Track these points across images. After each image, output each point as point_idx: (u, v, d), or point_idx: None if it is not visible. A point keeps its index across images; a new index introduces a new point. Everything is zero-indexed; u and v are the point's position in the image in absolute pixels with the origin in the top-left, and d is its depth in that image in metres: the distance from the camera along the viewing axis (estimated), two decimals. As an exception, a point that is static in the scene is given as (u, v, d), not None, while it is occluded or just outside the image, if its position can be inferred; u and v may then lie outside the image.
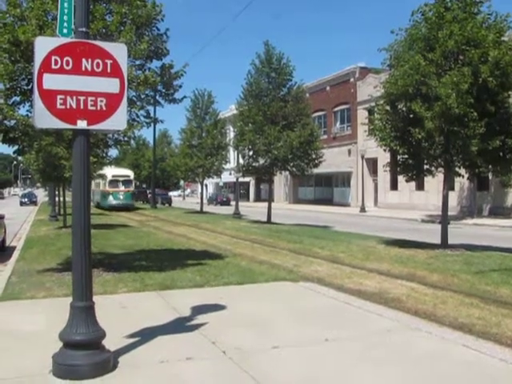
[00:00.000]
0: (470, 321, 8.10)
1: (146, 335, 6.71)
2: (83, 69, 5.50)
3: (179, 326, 7.30)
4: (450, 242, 17.22)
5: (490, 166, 17.25)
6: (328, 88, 56.78)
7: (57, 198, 37.24)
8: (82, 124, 5.48)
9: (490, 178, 33.55)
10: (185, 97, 13.58)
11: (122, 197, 52.07)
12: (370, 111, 30.98)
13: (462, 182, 35.01)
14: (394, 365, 5.80)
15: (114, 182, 52.32)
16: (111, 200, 51.96)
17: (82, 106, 5.49)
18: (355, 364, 5.82)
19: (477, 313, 8.59)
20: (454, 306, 9.07)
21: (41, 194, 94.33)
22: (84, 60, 5.50)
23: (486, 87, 15.47)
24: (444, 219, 17.63)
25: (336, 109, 56.32)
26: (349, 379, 5.40)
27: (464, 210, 37.90)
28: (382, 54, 17.66)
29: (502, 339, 7.12)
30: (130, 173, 57.29)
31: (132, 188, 55.17)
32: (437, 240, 17.64)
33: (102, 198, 54.58)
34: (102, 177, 48.56)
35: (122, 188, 52.71)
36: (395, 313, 8.41)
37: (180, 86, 12.62)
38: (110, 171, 48.13)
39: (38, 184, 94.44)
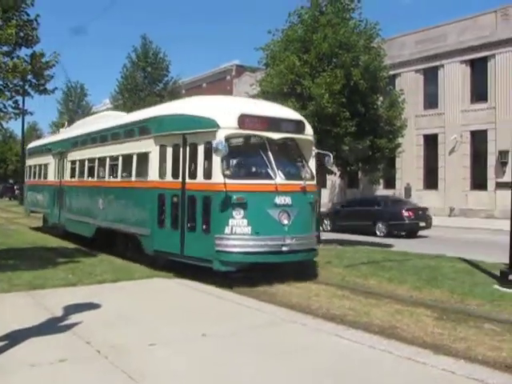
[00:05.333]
0: (342, 311, 8.46)
1: (14, 338, 6.30)
2: None
3: (51, 326, 6.95)
4: (323, 237, 17.88)
5: (360, 164, 18.13)
6: (204, 85, 56.88)
7: None
8: None
9: (360, 175, 35.26)
10: (56, 88, 12.93)
11: (285, 218, 10.52)
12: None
13: (334, 179, 36.54)
14: (271, 357, 5.89)
15: (248, 150, 11.76)
16: (243, 229, 10.30)
17: None
18: (233, 358, 5.84)
19: (348, 304, 8.99)
20: (327, 298, 9.43)
21: None
22: None
23: (357, 89, 16.21)
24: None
25: (213, 106, 56.25)
26: (225, 373, 5.41)
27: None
28: (259, 52, 17.97)
29: (370, 327, 7.50)
30: (297, 116, 12.23)
31: (312, 180, 11.54)
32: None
33: (172, 227, 11.46)
34: (172, 127, 11.83)
35: (282, 173, 10.82)
36: (271, 307, 8.55)
37: (52, 77, 12.08)
38: (223, 103, 12.25)
39: None
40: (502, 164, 29.97)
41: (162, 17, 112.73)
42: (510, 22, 30.03)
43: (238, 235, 10.25)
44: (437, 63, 33.94)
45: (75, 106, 43.43)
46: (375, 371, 5.53)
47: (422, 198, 34.19)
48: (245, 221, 10.24)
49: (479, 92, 32.37)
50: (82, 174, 17.41)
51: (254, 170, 11.28)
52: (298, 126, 11.77)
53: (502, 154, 29.56)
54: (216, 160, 10.38)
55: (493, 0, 36.91)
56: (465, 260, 13.30)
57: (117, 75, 32.49)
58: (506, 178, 27.86)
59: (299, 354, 6.02)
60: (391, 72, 23.05)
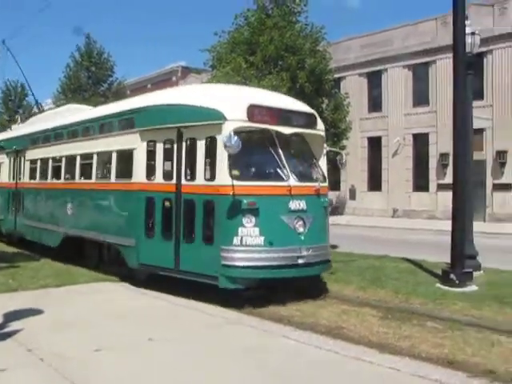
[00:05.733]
0: (289, 313, 8.50)
1: (-50, 346, 6.07)
2: None
3: (-10, 333, 6.72)
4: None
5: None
6: (149, 86, 56.24)
7: None
8: None
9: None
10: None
11: (301, 225, 9.21)
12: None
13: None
14: (219, 359, 5.86)
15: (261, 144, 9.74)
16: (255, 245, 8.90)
17: None
18: (180, 361, 5.78)
19: (295, 306, 9.02)
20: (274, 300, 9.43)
21: None
22: None
23: (302, 92, 16.41)
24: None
25: (159, 107, 55.63)
26: (172, 377, 5.35)
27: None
28: (205, 54, 17.98)
29: (317, 328, 7.56)
30: (308, 108, 10.96)
31: (324, 181, 10.32)
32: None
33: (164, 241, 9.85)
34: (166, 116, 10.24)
35: (295, 174, 9.47)
36: (217, 309, 8.48)
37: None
38: (227, 92, 10.92)
39: None
40: (442, 166, 30.80)
41: (105, 16, 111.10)
42: (450, 30, 30.87)
43: (249, 246, 8.81)
44: (380, 67, 34.60)
45: (15, 105, 42.11)
46: (322, 371, 5.57)
47: (364, 199, 34.93)
48: (256, 229, 8.83)
49: (421, 96, 33.16)
50: (44, 174, 15.21)
51: (264, 169, 9.76)
52: (310, 120, 10.44)
53: (443, 157, 30.37)
54: (222, 158, 8.90)
55: (435, 6, 37.88)
56: (408, 260, 13.59)
57: (59, 75, 31.91)
58: (446, 180, 28.62)
59: (248, 356, 6.00)
60: (336, 75, 23.43)
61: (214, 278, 8.85)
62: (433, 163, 31.97)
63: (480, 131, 27.02)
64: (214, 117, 9.11)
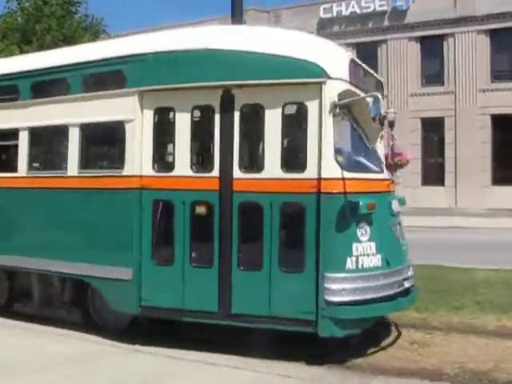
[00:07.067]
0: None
1: None
2: None
3: None
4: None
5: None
6: None
7: None
8: None
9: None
10: None
11: (401, 235, 6.67)
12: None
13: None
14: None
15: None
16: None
17: None
18: None
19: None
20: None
21: None
22: None
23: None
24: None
25: None
26: None
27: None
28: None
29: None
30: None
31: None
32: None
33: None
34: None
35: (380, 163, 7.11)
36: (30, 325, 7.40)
37: None
38: (319, 40, 6.93)
39: None
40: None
41: None
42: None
43: (366, 271, 5.91)
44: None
45: None
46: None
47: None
48: (372, 245, 5.99)
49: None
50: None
51: (362, 156, 6.78)
52: (381, 89, 7.42)
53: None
54: (323, 137, 5.80)
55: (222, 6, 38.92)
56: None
57: None
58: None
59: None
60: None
61: (305, 323, 5.85)
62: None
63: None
64: (306, 72, 5.95)
